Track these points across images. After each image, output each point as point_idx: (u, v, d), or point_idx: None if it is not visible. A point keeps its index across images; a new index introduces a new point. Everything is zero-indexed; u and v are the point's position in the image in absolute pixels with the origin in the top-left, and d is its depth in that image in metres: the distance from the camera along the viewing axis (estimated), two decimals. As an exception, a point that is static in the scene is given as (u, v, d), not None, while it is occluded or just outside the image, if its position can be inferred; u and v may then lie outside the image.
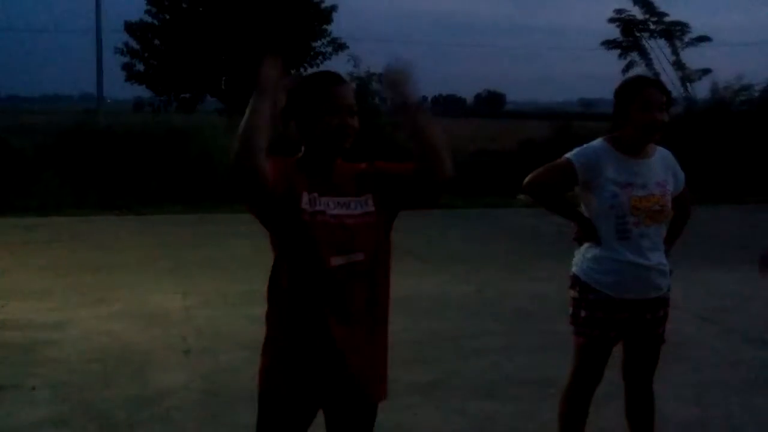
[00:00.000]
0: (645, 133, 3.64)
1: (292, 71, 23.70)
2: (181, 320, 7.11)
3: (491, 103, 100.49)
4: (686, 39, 21.14)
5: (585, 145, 3.77)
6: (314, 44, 25.51)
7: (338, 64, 23.64)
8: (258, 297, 2.98)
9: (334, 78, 2.81)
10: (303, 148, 2.79)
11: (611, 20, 21.54)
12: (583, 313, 3.70)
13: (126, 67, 27.13)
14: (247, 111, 2.55)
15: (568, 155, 3.74)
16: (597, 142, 3.76)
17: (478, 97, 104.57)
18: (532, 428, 4.73)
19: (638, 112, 3.61)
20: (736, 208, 15.42)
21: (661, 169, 3.76)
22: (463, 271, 9.34)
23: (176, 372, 5.72)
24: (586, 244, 3.75)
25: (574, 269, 3.79)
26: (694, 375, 5.63)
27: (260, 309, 2.82)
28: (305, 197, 2.67)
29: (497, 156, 19.17)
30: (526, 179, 3.81)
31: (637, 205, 3.62)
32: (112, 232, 12.07)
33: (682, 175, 3.86)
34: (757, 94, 20.02)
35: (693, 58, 21.22)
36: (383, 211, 2.80)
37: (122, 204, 14.26)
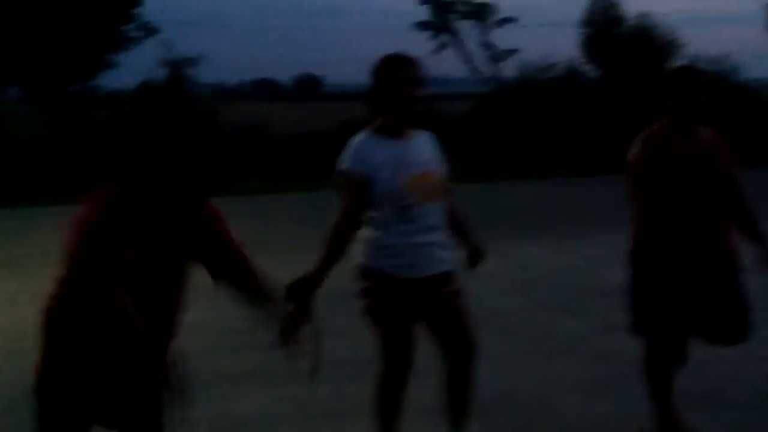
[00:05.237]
0: (404, 111, 3.60)
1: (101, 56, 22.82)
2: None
3: (309, 86, 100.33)
4: (493, 20, 21.86)
5: (350, 145, 3.67)
6: (124, 29, 24.53)
7: (150, 49, 22.90)
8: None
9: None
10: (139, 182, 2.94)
11: (423, 1, 21.96)
12: (372, 300, 3.69)
13: None
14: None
15: (344, 167, 3.63)
16: (360, 135, 3.69)
17: (294, 80, 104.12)
18: (349, 409, 4.74)
19: (395, 90, 3.56)
20: (546, 182, 16.01)
21: (427, 148, 3.76)
22: (279, 257, 9.24)
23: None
24: (367, 231, 3.67)
25: (357, 259, 3.73)
26: (503, 346, 5.78)
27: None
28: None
29: (316, 138, 19.13)
30: (334, 232, 3.62)
31: (414, 184, 3.59)
32: None
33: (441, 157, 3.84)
34: (560, 73, 20.96)
35: (502, 38, 21.99)
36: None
37: None
